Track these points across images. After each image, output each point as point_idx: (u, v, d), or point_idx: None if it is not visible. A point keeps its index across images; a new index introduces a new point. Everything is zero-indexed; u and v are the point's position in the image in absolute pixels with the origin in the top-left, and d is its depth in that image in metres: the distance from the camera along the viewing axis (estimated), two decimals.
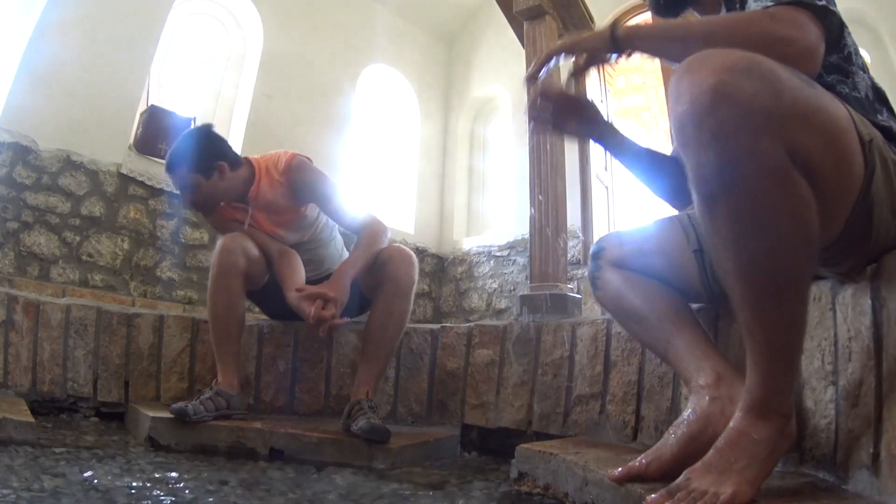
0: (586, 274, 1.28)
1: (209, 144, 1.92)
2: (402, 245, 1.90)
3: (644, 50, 1.01)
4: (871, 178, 0.80)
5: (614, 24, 1.03)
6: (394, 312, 1.77)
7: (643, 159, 1.23)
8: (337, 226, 2.11)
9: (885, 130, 0.89)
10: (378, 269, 1.81)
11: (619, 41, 1.01)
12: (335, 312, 1.69)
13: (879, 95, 0.98)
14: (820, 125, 0.75)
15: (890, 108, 0.98)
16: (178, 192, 1.99)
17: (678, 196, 1.22)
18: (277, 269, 1.92)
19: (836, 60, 0.97)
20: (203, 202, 1.95)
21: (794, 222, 0.72)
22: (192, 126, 2.00)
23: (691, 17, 1.15)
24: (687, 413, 0.94)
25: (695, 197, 0.76)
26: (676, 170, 1.21)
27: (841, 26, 0.96)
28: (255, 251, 1.89)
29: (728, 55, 0.73)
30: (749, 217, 0.72)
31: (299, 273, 1.90)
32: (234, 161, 1.95)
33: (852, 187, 0.79)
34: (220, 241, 1.87)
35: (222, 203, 1.98)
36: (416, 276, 1.83)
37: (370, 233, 1.87)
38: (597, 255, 1.22)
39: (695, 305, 1.23)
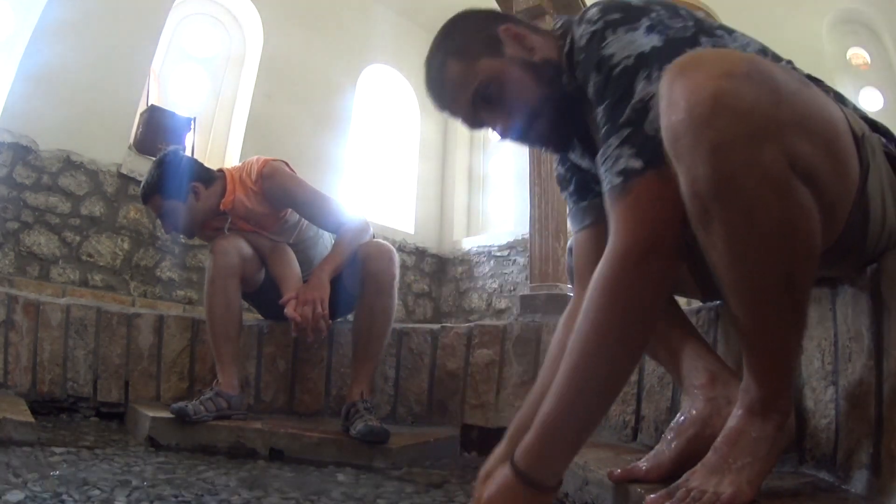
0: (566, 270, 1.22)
1: (179, 168, 1.92)
2: (381, 241, 1.88)
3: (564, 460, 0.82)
4: (867, 176, 0.78)
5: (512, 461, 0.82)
6: (376, 310, 1.77)
7: None
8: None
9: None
10: (358, 267, 1.80)
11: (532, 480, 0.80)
12: (319, 313, 1.69)
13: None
14: (819, 129, 0.72)
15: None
16: (157, 219, 1.97)
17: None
18: (272, 268, 1.92)
19: None
20: (185, 225, 1.96)
21: (796, 234, 0.69)
22: (172, 146, 2.01)
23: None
24: (683, 415, 0.93)
25: (689, 209, 0.72)
26: None
27: None
28: (249, 250, 1.89)
29: (725, 56, 0.70)
30: (747, 231, 0.69)
31: (294, 271, 1.89)
32: (208, 178, 1.96)
33: (851, 189, 0.77)
34: (214, 244, 1.87)
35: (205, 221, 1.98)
36: (397, 271, 1.82)
37: (347, 229, 1.86)
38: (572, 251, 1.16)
39: (694, 306, 1.23)
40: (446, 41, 0.98)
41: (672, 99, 0.69)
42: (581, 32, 0.87)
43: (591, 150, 1.01)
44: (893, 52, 3.77)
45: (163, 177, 1.90)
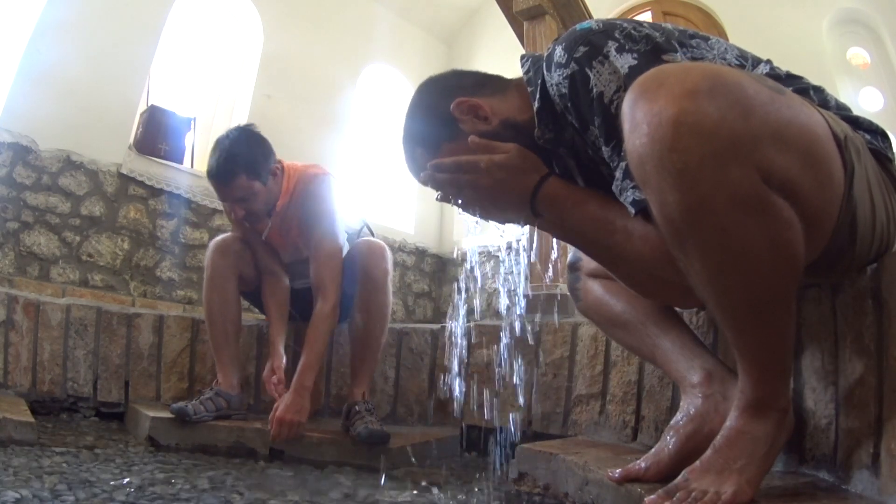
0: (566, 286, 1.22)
1: (262, 144, 1.74)
2: (371, 238, 1.88)
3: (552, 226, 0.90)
4: (852, 179, 0.75)
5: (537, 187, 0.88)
6: (372, 309, 1.76)
7: None
8: (342, 230, 1.88)
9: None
10: (355, 267, 1.78)
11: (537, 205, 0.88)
12: (295, 431, 1.53)
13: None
14: (795, 137, 0.69)
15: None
16: (224, 203, 1.76)
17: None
18: (264, 299, 1.90)
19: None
20: (259, 211, 1.75)
21: (774, 250, 0.67)
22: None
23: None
24: (681, 413, 0.94)
25: (663, 233, 0.71)
26: None
27: None
28: (247, 251, 1.88)
29: (688, 73, 0.67)
30: (722, 252, 0.68)
31: (282, 315, 1.86)
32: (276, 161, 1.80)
33: (835, 196, 0.74)
34: (211, 244, 1.86)
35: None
36: (390, 267, 1.80)
37: (316, 317, 1.67)
38: (574, 266, 1.17)
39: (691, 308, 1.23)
40: (412, 124, 1.00)
41: (634, 122, 0.67)
42: (557, 80, 0.86)
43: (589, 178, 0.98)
44: (893, 52, 3.77)
45: (247, 153, 1.66)
